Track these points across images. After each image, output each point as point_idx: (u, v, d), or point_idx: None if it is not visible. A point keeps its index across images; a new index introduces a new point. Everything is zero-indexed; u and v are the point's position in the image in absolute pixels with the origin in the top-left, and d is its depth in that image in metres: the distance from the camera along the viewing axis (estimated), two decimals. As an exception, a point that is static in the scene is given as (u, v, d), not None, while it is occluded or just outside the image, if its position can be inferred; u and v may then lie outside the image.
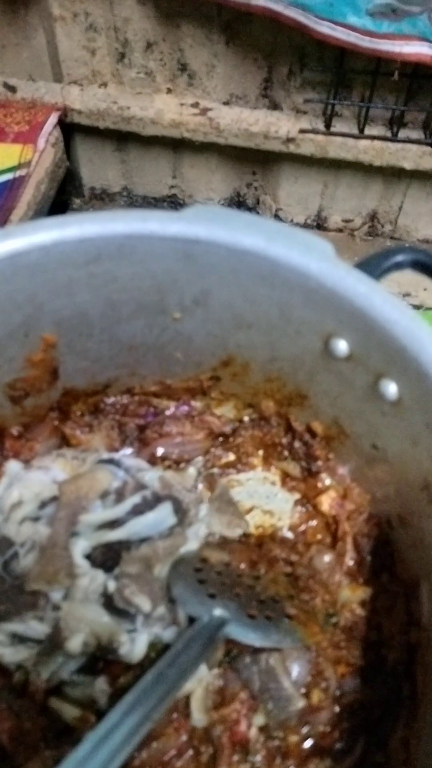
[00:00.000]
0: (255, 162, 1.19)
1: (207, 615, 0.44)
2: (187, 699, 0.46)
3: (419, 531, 0.46)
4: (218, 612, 0.44)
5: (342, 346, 0.45)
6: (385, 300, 0.40)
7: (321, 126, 1.03)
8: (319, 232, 1.26)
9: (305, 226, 1.26)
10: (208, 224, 0.43)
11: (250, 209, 1.28)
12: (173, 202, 1.30)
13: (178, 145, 1.16)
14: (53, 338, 0.52)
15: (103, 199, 1.32)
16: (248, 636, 0.44)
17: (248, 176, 1.24)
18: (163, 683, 0.39)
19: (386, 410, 0.44)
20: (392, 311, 0.39)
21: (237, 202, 1.29)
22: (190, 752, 0.46)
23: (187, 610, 0.45)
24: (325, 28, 0.82)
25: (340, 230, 1.25)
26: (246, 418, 0.62)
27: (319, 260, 0.41)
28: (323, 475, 0.57)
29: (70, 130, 1.14)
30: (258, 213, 1.29)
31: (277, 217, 1.27)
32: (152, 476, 0.56)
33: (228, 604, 0.45)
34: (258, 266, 0.44)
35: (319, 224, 1.26)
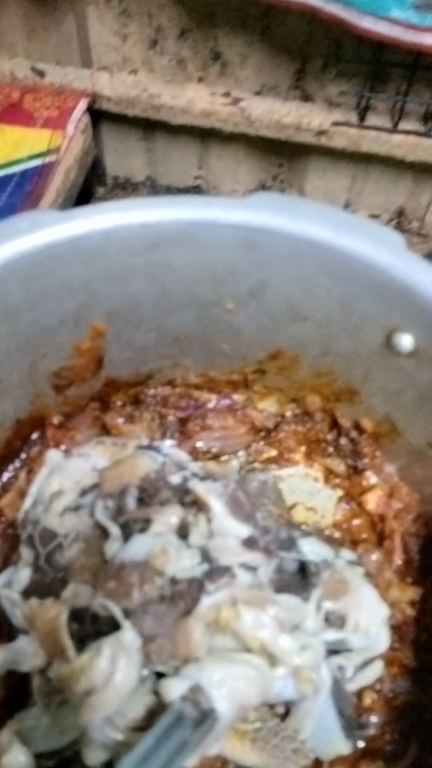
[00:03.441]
0: (282, 154, 1.17)
1: None
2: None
3: None
4: None
5: (406, 341, 0.44)
6: (461, 295, 0.39)
7: (354, 119, 1.02)
8: (344, 228, 1.24)
9: (330, 220, 1.25)
10: (275, 212, 0.42)
11: (274, 202, 1.27)
12: (197, 194, 1.28)
13: (206, 135, 1.14)
14: (103, 327, 0.51)
15: (126, 189, 1.30)
16: None
17: (274, 168, 1.22)
18: None
19: (450, 408, 0.43)
20: (469, 306, 0.38)
21: (261, 195, 1.27)
22: None
23: None
24: (367, 23, 0.81)
25: (366, 226, 1.23)
26: (288, 413, 0.61)
27: (390, 252, 0.40)
28: (369, 473, 0.57)
29: (96, 117, 1.12)
30: (282, 206, 1.27)
31: (302, 211, 1.25)
32: (194, 467, 0.54)
33: None
34: (324, 257, 0.43)
35: (344, 219, 1.24)
